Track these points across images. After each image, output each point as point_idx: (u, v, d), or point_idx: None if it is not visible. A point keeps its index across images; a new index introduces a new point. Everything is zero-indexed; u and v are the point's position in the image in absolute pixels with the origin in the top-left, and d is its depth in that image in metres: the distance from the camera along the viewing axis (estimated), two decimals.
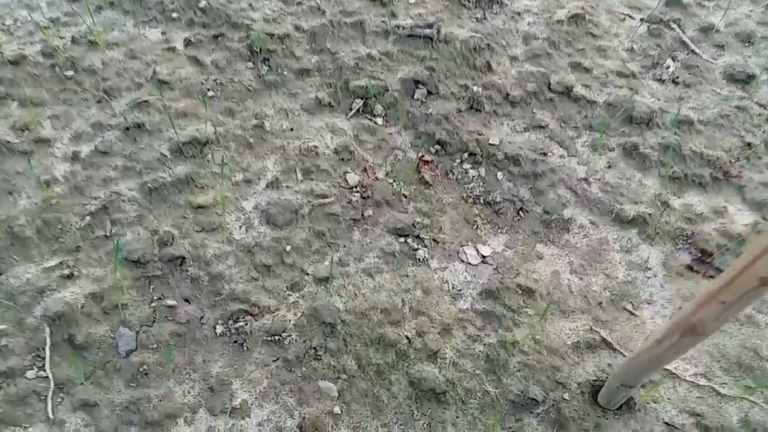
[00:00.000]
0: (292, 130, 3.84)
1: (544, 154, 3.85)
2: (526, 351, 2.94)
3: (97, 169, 3.48)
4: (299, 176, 3.59)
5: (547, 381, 2.85)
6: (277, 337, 2.96)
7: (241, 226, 3.32)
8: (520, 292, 3.18)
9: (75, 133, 3.65)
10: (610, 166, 3.85)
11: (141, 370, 2.80)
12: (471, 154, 3.83)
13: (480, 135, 3.89)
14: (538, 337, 2.99)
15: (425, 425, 2.76)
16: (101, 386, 2.76)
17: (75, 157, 3.52)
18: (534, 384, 2.84)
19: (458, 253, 3.39)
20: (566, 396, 2.80)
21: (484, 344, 2.98)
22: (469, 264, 3.34)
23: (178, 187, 3.41)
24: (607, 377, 2.82)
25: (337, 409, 2.77)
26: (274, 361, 2.91)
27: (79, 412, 2.67)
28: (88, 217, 3.25)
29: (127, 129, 3.64)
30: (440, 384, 2.82)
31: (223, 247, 3.21)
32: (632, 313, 3.18)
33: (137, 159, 3.53)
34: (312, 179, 3.58)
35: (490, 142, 3.83)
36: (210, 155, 3.61)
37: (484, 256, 3.38)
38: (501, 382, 2.86)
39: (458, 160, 3.82)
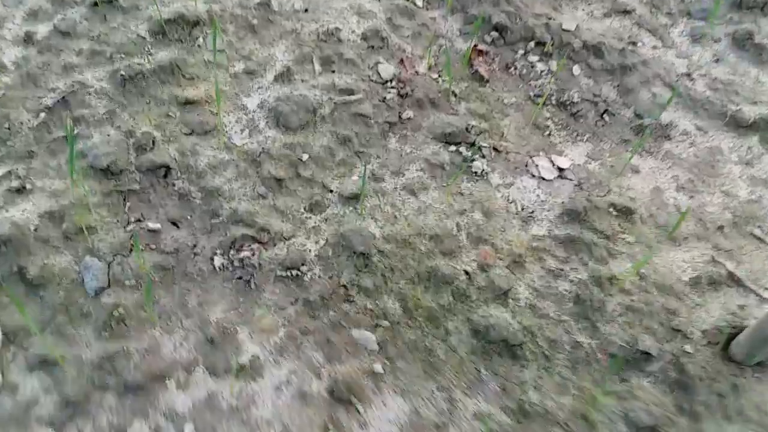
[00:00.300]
0: (306, 11, 3.14)
1: (633, 44, 3.15)
2: (628, 290, 2.32)
3: (57, 54, 2.82)
4: (317, 67, 2.90)
5: (660, 329, 2.24)
6: (294, 272, 2.34)
7: (242, 129, 2.67)
8: (614, 213, 2.54)
9: (30, 10, 3.00)
10: (717, 60, 3.16)
11: (115, 314, 2.20)
12: (539, 44, 3.14)
13: (550, 19, 3.17)
14: (643, 271, 2.35)
15: (498, 388, 2.16)
16: (64, 337, 2.16)
17: (28, 39, 2.87)
18: (643, 332, 2.23)
19: (527, 165, 2.73)
20: (688, 348, 2.19)
21: (571, 281, 2.36)
22: (542, 179, 2.68)
23: (160, 77, 2.74)
24: (738, 322, 2.21)
25: (377, 367, 2.17)
26: (291, 303, 2.29)
27: (38, 373, 2.08)
28: (43, 114, 2.61)
29: (95, 5, 2.97)
30: (514, 333, 2.21)
31: (219, 155, 2.57)
32: (763, 241, 2.55)
33: (107, 42, 2.86)
34: (333, 71, 2.91)
35: (563, 27, 3.13)
36: (201, 39, 2.93)
37: (561, 169, 2.72)
38: (597, 330, 2.24)
39: (522, 51, 3.13)
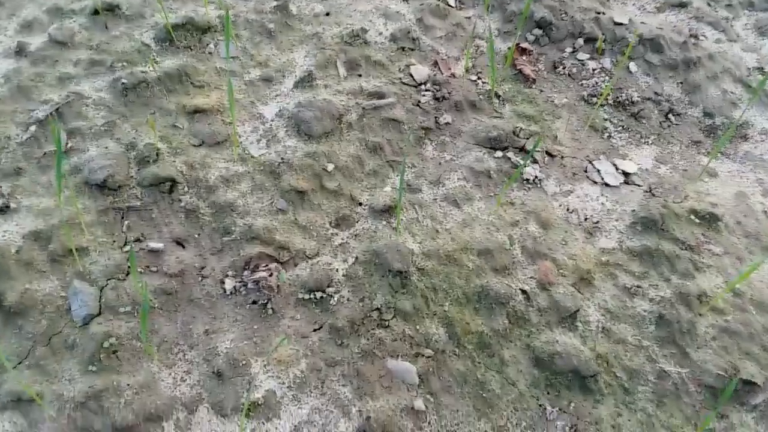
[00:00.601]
0: (328, 14, 2.91)
1: (695, 38, 2.85)
2: (722, 309, 1.97)
3: (52, 66, 2.61)
4: (342, 71, 2.65)
5: (763, 354, 1.89)
6: (318, 295, 2.03)
7: (259, 139, 2.41)
8: (696, 221, 2.20)
9: (24, 21, 2.81)
10: None
11: (106, 345, 1.90)
12: (588, 40, 2.85)
13: (599, 14, 2.90)
14: (738, 286, 2.00)
15: (568, 428, 1.79)
16: (44, 372, 1.86)
17: (21, 50, 2.67)
18: (743, 358, 1.86)
19: (586, 170, 2.42)
20: None
21: (651, 300, 2.01)
22: (606, 185, 2.37)
23: (167, 86, 2.50)
24: None
25: (419, 404, 1.83)
26: (315, 330, 1.97)
27: (8, 413, 1.80)
28: (33, 127, 2.38)
29: (96, 13, 2.76)
30: (586, 362, 1.86)
31: (233, 167, 2.30)
32: None
33: (108, 50, 2.64)
34: (360, 75, 2.65)
35: (615, 20, 2.84)
36: (212, 45, 2.70)
37: (627, 174, 2.41)
38: (687, 357, 1.89)
39: (569, 49, 2.86)
